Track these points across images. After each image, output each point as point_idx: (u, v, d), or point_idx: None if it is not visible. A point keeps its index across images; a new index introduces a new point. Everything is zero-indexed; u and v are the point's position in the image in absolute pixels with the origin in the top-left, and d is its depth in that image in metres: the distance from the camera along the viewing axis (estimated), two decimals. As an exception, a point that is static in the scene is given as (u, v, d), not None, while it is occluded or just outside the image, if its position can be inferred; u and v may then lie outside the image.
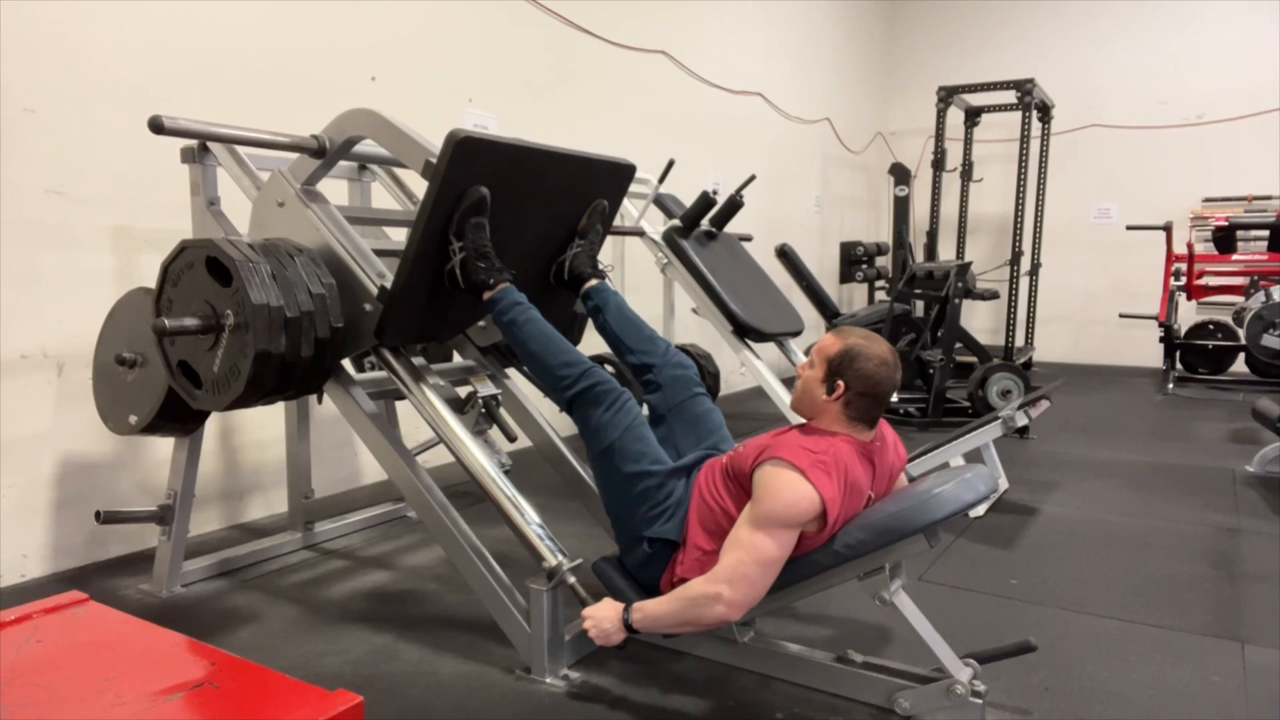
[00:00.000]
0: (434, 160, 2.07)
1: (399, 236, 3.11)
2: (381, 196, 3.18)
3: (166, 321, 2.07)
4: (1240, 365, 6.72)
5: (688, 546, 1.95)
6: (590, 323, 2.54)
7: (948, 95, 6.83)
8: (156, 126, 2.11)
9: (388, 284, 2.16)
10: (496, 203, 2.14)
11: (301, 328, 2.11)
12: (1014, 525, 3.24)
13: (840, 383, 1.85)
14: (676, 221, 4.14)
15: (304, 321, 2.11)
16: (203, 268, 2.12)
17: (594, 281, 2.43)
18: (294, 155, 2.39)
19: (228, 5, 3.07)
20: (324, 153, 2.29)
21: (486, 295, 2.17)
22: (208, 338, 2.14)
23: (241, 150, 2.52)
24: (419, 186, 2.94)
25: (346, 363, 2.40)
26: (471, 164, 2.06)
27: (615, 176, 2.52)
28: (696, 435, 2.19)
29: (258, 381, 2.10)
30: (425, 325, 2.30)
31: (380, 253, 2.34)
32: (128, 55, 2.82)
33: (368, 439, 2.31)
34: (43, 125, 2.63)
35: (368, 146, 2.41)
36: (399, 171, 3.08)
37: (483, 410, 2.59)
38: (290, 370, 2.13)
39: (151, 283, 2.57)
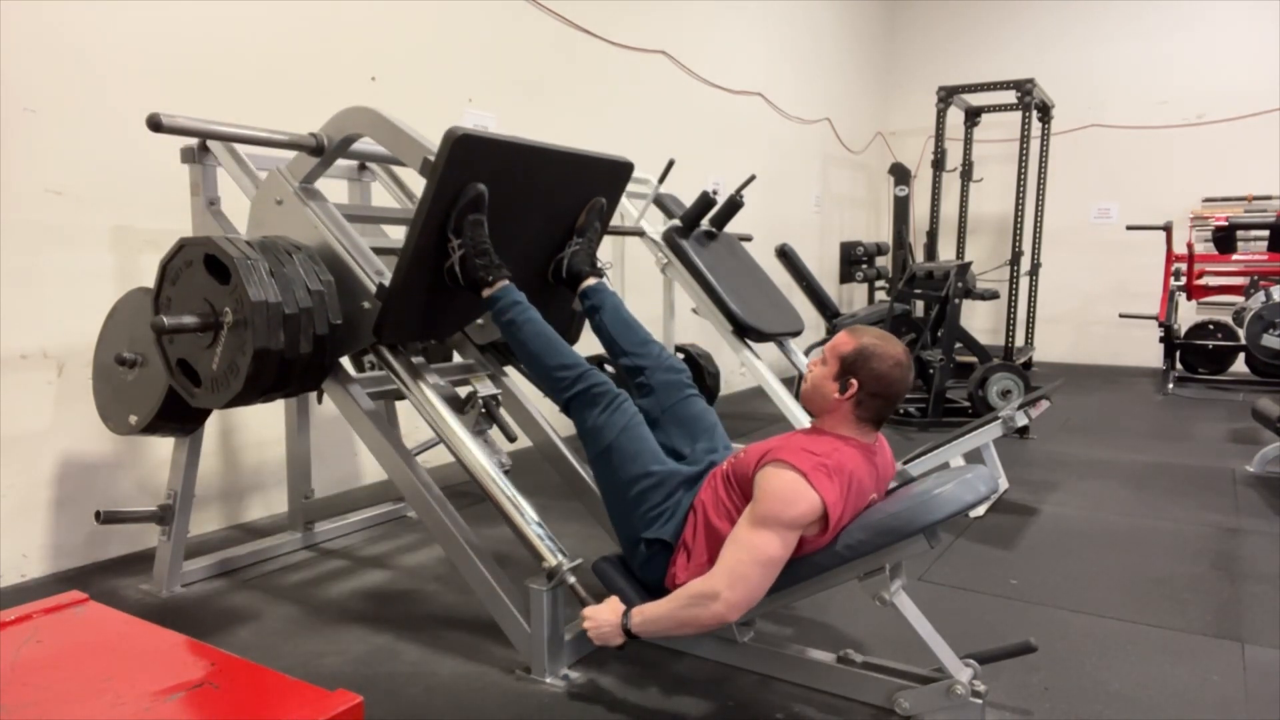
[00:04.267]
0: (432, 158, 2.07)
1: (397, 235, 3.11)
2: (381, 196, 3.18)
3: (165, 320, 2.07)
4: (1240, 365, 6.72)
5: (693, 554, 1.94)
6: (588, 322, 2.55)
7: (948, 95, 6.82)
8: (155, 124, 2.11)
9: (386, 282, 2.16)
10: (495, 201, 2.15)
11: (300, 324, 2.11)
12: (1014, 525, 3.24)
13: (853, 381, 1.84)
14: (676, 221, 4.14)
15: (302, 318, 2.11)
16: (201, 265, 2.12)
17: (592, 280, 2.43)
18: (293, 153, 2.39)
19: (228, 5, 3.07)
20: (322, 151, 2.29)
21: (486, 293, 2.17)
22: (206, 335, 2.14)
23: (242, 149, 2.52)
24: (418, 185, 2.94)
25: (347, 364, 2.40)
26: (469, 162, 2.07)
27: (613, 175, 2.52)
28: (691, 436, 2.20)
29: (256, 379, 2.10)
30: (424, 323, 2.30)
31: (379, 251, 2.34)
32: (127, 55, 2.81)
33: (366, 436, 2.31)
34: (43, 125, 2.63)
35: (366, 145, 2.40)
36: (398, 170, 3.08)
37: (483, 410, 2.58)
38: (289, 367, 2.13)
39: (151, 282, 2.57)
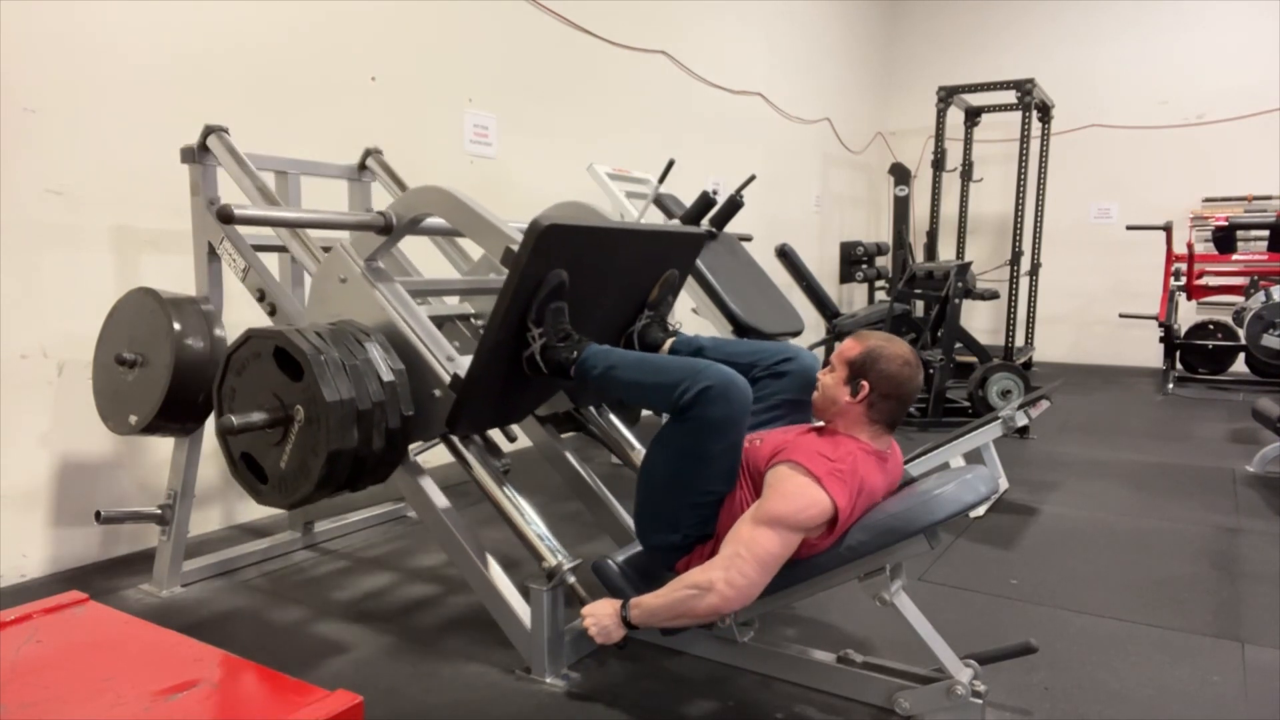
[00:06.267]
0: (514, 248, 1.99)
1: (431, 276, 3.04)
2: (382, 196, 3.18)
3: (234, 419, 1.96)
4: (1240, 365, 6.72)
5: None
6: None
7: (948, 95, 6.82)
8: (226, 217, 2.03)
9: (459, 369, 2.07)
10: (572, 281, 2.07)
11: (373, 420, 2.00)
12: (1014, 525, 3.24)
13: (864, 384, 1.85)
14: (676, 222, 4.14)
15: (375, 414, 2.01)
16: (270, 359, 2.02)
17: (671, 340, 2.33)
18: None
19: (228, 5, 3.07)
20: (390, 230, 2.20)
21: (574, 368, 2.05)
22: (274, 432, 2.03)
23: (242, 152, 2.51)
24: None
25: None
26: (552, 250, 1.98)
27: (687, 246, 2.45)
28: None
29: (328, 479, 2.00)
30: (498, 411, 2.23)
31: (434, 319, 2.26)
32: (128, 55, 2.81)
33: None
34: (43, 125, 2.63)
35: (433, 220, 2.30)
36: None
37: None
38: (361, 464, 2.03)
39: (152, 282, 2.58)
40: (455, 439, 2.21)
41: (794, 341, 4.24)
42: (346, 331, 2.08)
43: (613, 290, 2.29)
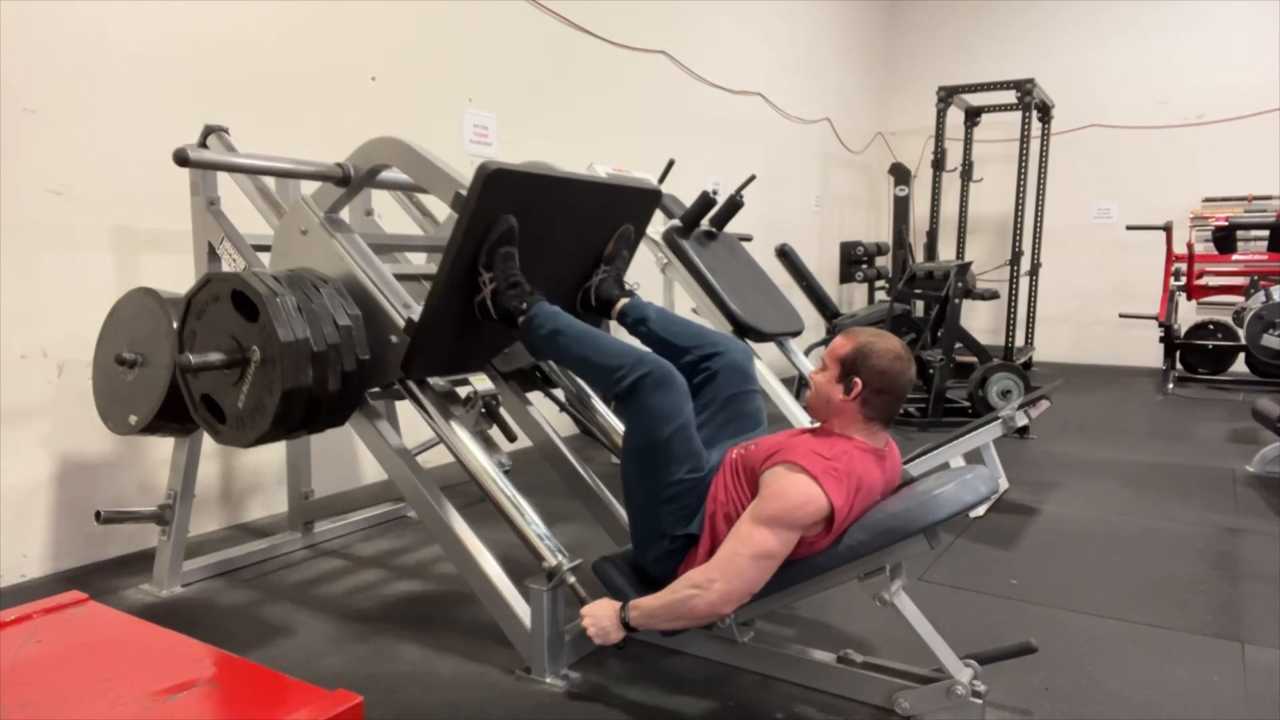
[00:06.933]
0: (463, 192, 2.04)
1: (415, 257, 3.10)
2: (382, 197, 3.18)
3: (191, 358, 2.02)
4: (1240, 365, 6.72)
5: (700, 540, 1.95)
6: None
7: (948, 95, 6.82)
8: (181, 160, 2.08)
9: (414, 315, 2.12)
10: (524, 231, 2.12)
11: (328, 361, 2.06)
12: (1014, 525, 3.24)
13: (857, 380, 1.85)
14: (676, 222, 4.14)
15: (330, 355, 2.06)
16: (228, 301, 2.07)
17: (625, 300, 2.38)
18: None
19: (228, 5, 3.07)
20: (348, 181, 2.25)
21: (521, 320, 2.12)
22: (233, 372, 2.09)
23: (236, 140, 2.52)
24: (431, 201, 2.93)
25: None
26: (501, 195, 2.04)
27: (641, 201, 2.49)
28: (736, 429, 2.16)
29: (284, 418, 2.05)
30: (453, 356, 2.27)
31: (399, 277, 2.31)
32: (128, 55, 2.81)
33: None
34: (43, 125, 2.63)
35: (393, 174, 2.36)
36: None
37: (483, 410, 2.58)
38: (317, 405, 2.09)
39: (152, 282, 2.57)
40: (414, 386, 2.24)
41: (793, 342, 4.26)
42: (304, 277, 2.14)
43: (566, 242, 2.33)
